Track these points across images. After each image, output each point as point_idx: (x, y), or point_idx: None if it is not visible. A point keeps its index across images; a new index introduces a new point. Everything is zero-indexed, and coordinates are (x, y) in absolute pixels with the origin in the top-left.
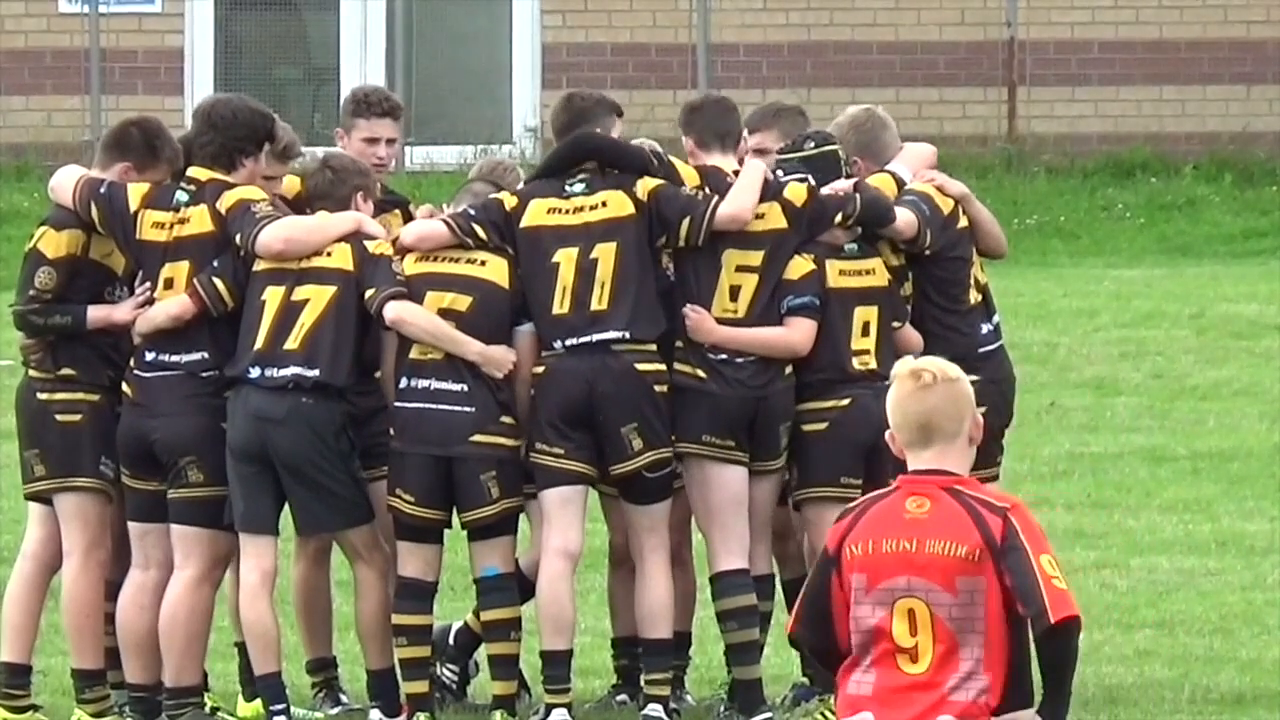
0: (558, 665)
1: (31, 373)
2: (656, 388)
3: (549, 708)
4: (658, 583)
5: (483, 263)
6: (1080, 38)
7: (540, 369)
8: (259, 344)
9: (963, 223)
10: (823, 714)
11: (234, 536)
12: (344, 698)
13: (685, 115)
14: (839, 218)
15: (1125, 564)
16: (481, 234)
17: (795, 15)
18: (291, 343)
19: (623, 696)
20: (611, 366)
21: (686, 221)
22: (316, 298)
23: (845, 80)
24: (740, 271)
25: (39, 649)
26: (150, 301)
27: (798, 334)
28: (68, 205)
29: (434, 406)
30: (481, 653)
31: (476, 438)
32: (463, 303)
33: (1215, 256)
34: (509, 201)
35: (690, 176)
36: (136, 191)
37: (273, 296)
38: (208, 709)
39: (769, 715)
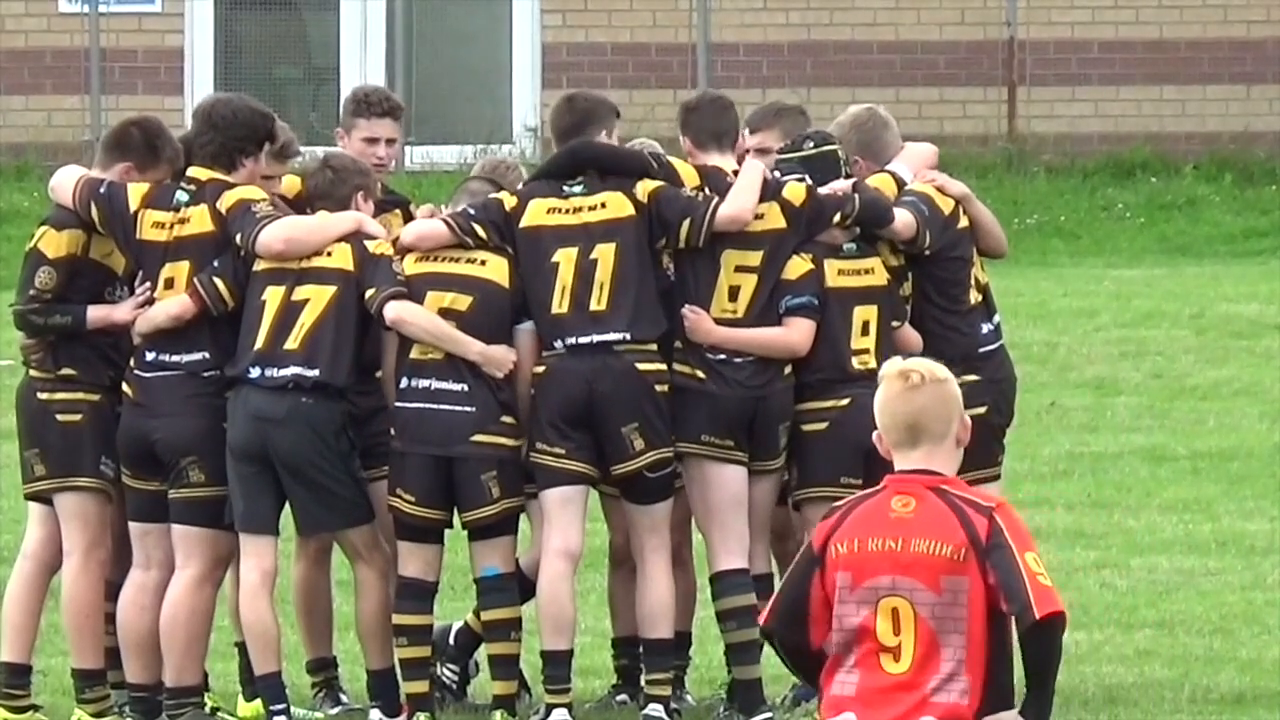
0: (558, 665)
1: (32, 372)
2: (657, 387)
3: (549, 708)
4: (659, 583)
5: (483, 262)
6: (1080, 37)
7: (541, 369)
8: (259, 344)
9: (963, 223)
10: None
11: (235, 536)
12: (344, 698)
13: (682, 115)
14: (837, 217)
15: (1125, 564)
16: (481, 233)
17: (795, 15)
18: (292, 343)
19: (623, 696)
20: (612, 366)
21: (687, 223)
22: (317, 297)
23: (845, 80)
24: (739, 272)
25: (39, 649)
26: (150, 301)
27: (796, 334)
28: (68, 205)
29: (435, 406)
30: (482, 653)
31: (477, 437)
32: (463, 302)
33: (1215, 256)
34: (509, 201)
35: (690, 176)
36: (136, 191)
37: (273, 296)
38: (208, 709)
39: (769, 715)
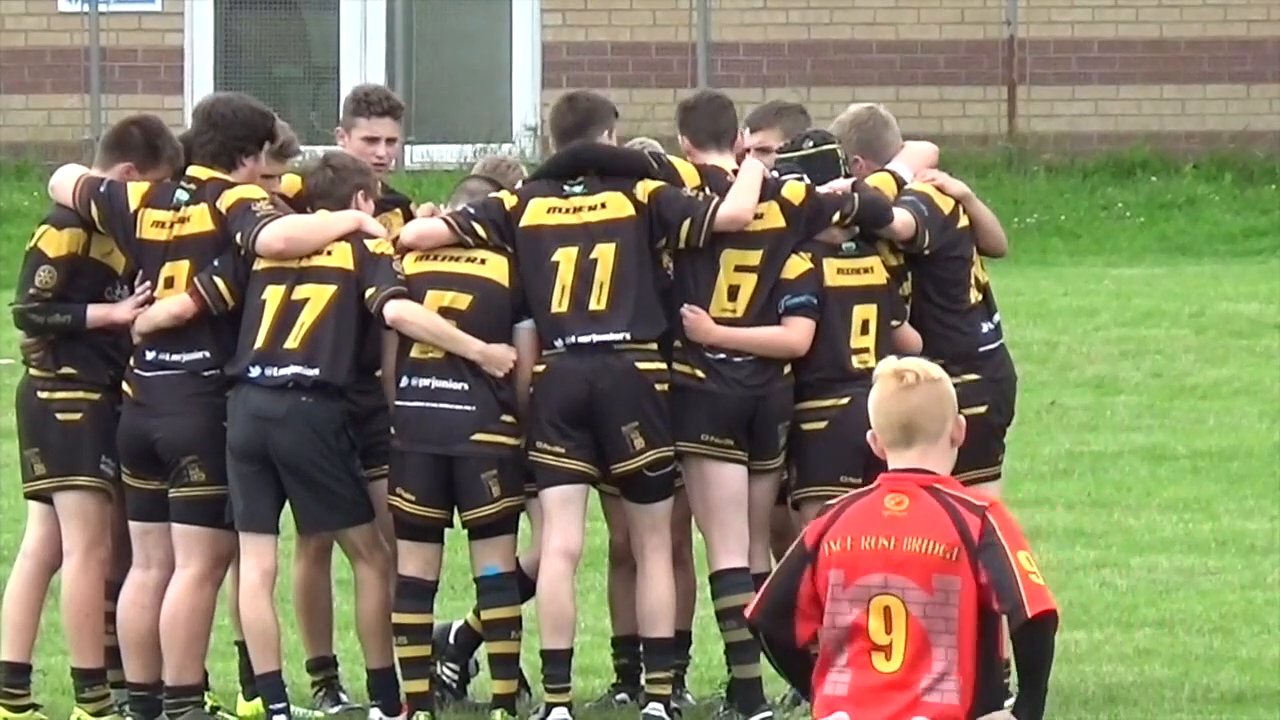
0: (558, 664)
1: (32, 371)
2: (657, 386)
3: (549, 707)
4: (659, 582)
5: (483, 261)
6: (1080, 36)
7: (541, 367)
8: (259, 343)
9: (963, 222)
10: None
11: (235, 536)
12: (344, 697)
13: (680, 115)
14: (836, 217)
15: (1125, 563)
16: (481, 233)
17: (795, 14)
18: (292, 342)
19: (623, 695)
20: (613, 365)
21: (687, 223)
22: (317, 297)
23: (845, 79)
24: (739, 271)
25: (39, 648)
26: (150, 301)
27: (795, 333)
28: (68, 204)
29: (435, 405)
30: (482, 652)
31: (477, 436)
32: (463, 301)
33: (1215, 256)
34: (509, 200)
35: (691, 176)
36: (136, 190)
37: (273, 295)
38: (208, 708)
39: (769, 714)
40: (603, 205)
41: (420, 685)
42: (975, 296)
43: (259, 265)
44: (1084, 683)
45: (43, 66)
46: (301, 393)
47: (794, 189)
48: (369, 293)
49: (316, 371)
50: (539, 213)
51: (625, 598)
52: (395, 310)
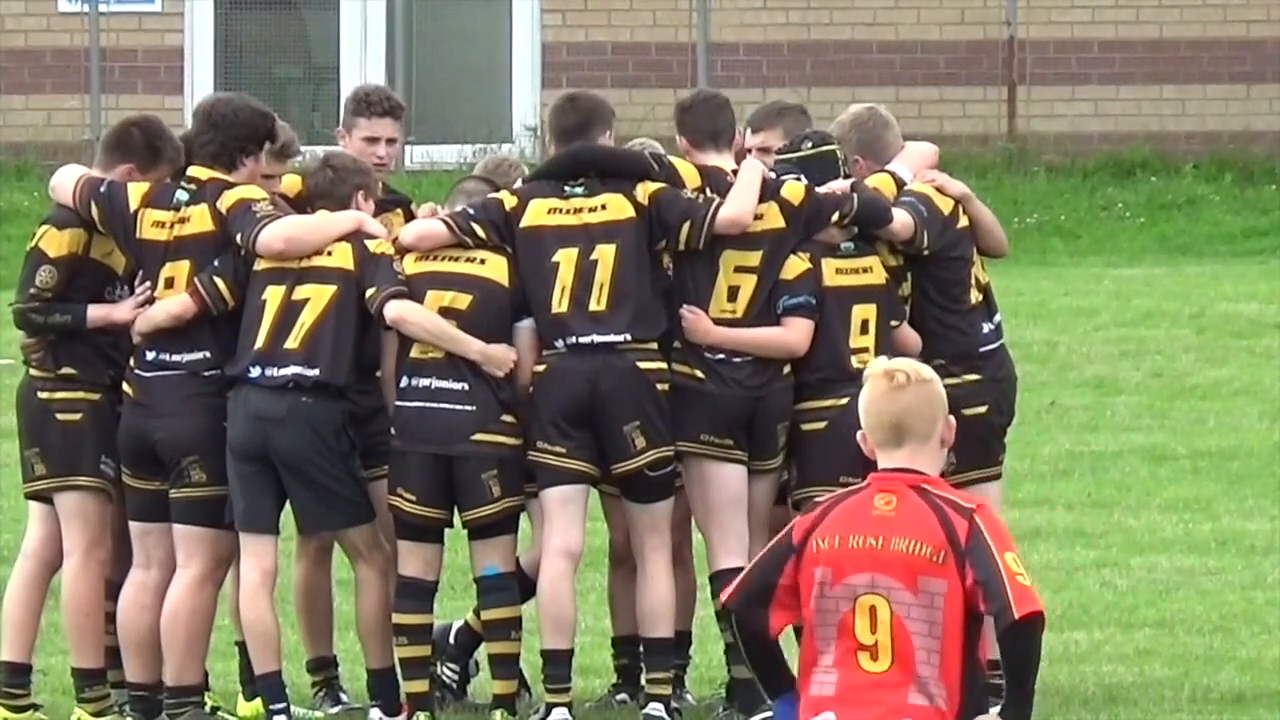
0: (558, 664)
1: (32, 372)
2: (659, 386)
3: (549, 707)
4: (659, 582)
5: (482, 261)
6: (1080, 37)
7: (541, 367)
8: (259, 343)
9: (963, 222)
10: None
11: (236, 536)
12: (344, 697)
13: (677, 115)
14: (835, 217)
15: (1125, 563)
16: (481, 233)
17: (795, 14)
18: (292, 342)
19: (623, 695)
20: (614, 364)
21: (687, 225)
22: (317, 297)
23: (845, 79)
24: (739, 272)
25: (39, 648)
26: (151, 301)
27: (794, 334)
28: (68, 204)
29: (435, 405)
30: (482, 652)
31: (478, 436)
32: (463, 301)
33: (1215, 256)
34: (509, 201)
35: (692, 176)
36: (136, 191)
37: (273, 296)
38: (208, 708)
39: (768, 714)
40: (603, 207)
41: (420, 685)
42: (976, 297)
43: (259, 265)
44: (1084, 683)
45: (43, 67)
46: (302, 393)
47: (793, 189)
48: (369, 293)
49: (317, 372)
50: (539, 213)
51: (625, 598)
52: (395, 310)
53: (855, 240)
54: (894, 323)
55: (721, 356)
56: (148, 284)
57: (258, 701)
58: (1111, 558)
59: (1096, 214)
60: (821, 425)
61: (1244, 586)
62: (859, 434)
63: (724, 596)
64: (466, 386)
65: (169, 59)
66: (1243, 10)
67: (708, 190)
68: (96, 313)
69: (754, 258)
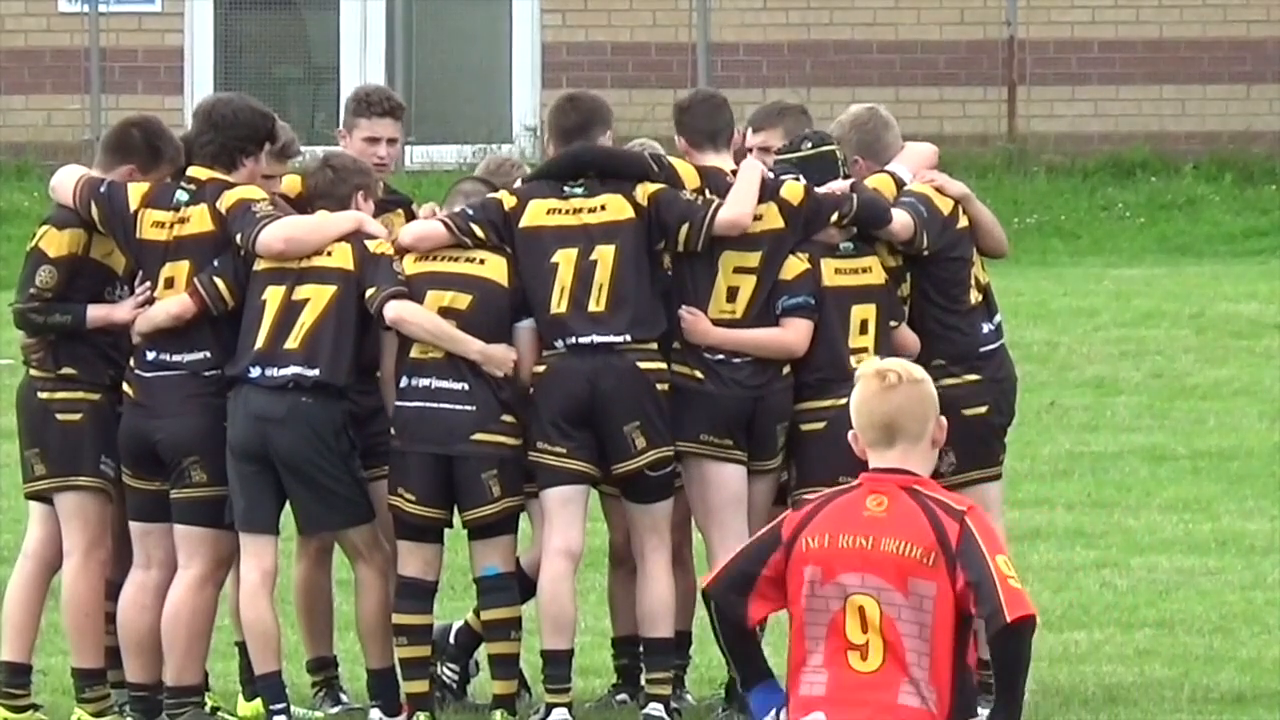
0: (558, 665)
1: (32, 372)
2: (658, 386)
3: (549, 707)
4: (659, 582)
5: (482, 261)
6: (1080, 37)
7: (541, 368)
8: (259, 344)
9: (962, 223)
10: None
11: (236, 536)
12: (344, 697)
13: (675, 115)
14: (835, 217)
15: (1125, 563)
16: (480, 233)
17: (795, 14)
18: (292, 342)
19: (623, 696)
20: (614, 365)
21: (685, 227)
22: (317, 297)
23: (845, 79)
24: (738, 273)
25: (39, 648)
26: (150, 301)
27: (793, 334)
28: (68, 205)
29: (435, 405)
30: (482, 652)
31: (478, 436)
32: (463, 301)
33: (1215, 256)
34: (508, 201)
35: (691, 177)
36: (136, 191)
37: (273, 296)
38: (208, 709)
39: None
40: (602, 207)
41: (420, 685)
42: (976, 297)
43: (259, 266)
44: (1084, 683)
45: (43, 67)
46: (302, 393)
47: (792, 189)
48: (369, 293)
49: (317, 372)
50: (538, 214)
51: (625, 598)
52: (395, 310)
53: (854, 240)
54: (893, 323)
55: (721, 357)
56: (147, 284)
57: (258, 701)
58: (1111, 558)
59: (1096, 214)
60: (821, 425)
61: (1244, 586)
62: (850, 434)
63: (704, 582)
64: (466, 386)
65: (169, 59)
66: (1243, 10)
67: (707, 191)
68: (96, 313)
69: (753, 258)
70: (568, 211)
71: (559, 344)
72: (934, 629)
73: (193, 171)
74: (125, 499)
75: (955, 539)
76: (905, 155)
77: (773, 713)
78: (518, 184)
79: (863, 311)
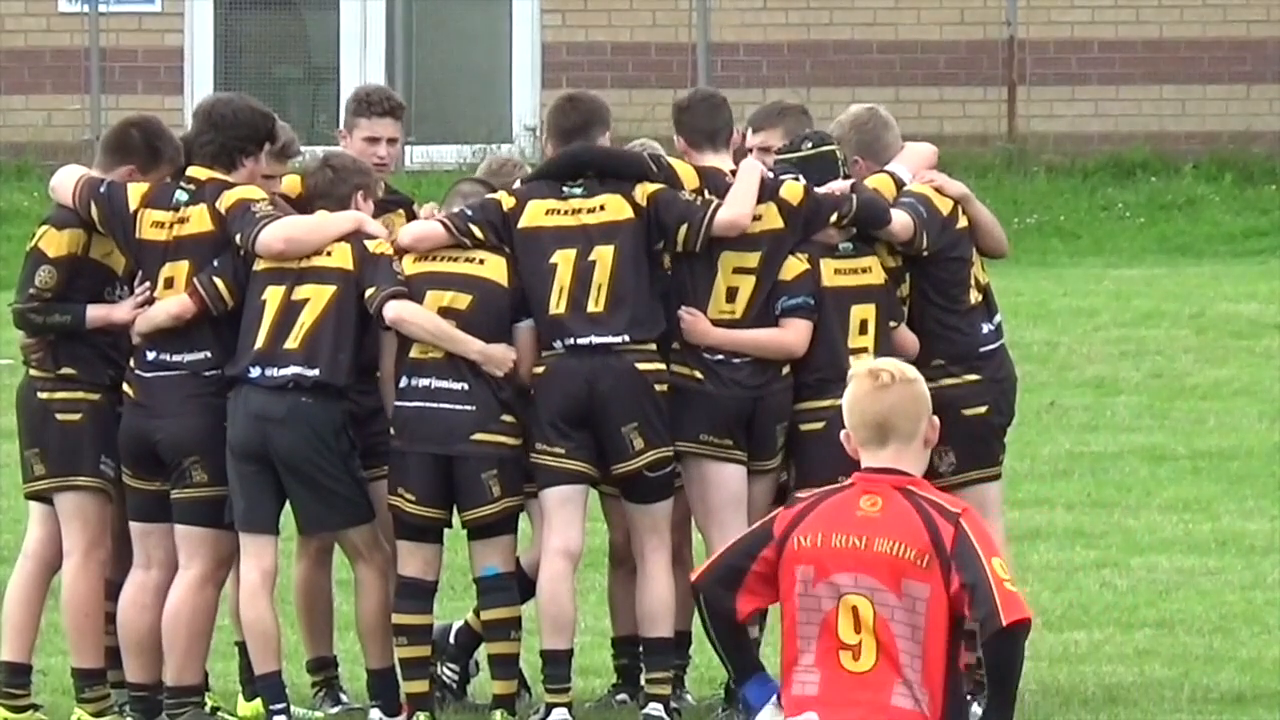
0: (558, 665)
1: (32, 372)
2: (657, 387)
3: (549, 707)
4: (659, 582)
5: (481, 261)
6: (1080, 37)
7: (540, 368)
8: (259, 344)
9: (962, 223)
10: None
11: (237, 536)
12: (344, 697)
13: (674, 115)
14: (834, 218)
15: (1125, 563)
16: (479, 234)
17: (795, 14)
18: (291, 342)
19: (623, 696)
20: (612, 366)
21: (684, 228)
22: (316, 297)
23: (845, 79)
24: (737, 273)
25: (39, 648)
26: (150, 301)
27: (793, 335)
28: (68, 205)
29: (435, 405)
30: (482, 652)
31: (477, 436)
32: (462, 301)
33: (1215, 256)
34: (507, 202)
35: (690, 178)
36: (136, 191)
37: (273, 296)
38: (208, 709)
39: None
40: (601, 208)
41: (420, 685)
42: (975, 297)
43: (259, 266)
44: (1084, 683)
45: (43, 67)
46: (301, 393)
47: (792, 189)
48: (369, 293)
49: (316, 372)
50: (537, 214)
51: (625, 598)
52: (395, 310)
53: (854, 240)
54: (893, 323)
55: (720, 357)
56: (147, 284)
57: (258, 701)
58: (1111, 558)
59: (1096, 214)
60: (820, 425)
61: (1244, 586)
62: (842, 433)
63: (693, 577)
64: (466, 386)
65: (169, 59)
66: (1243, 10)
67: (706, 191)
68: (96, 313)
69: (752, 259)
70: (566, 212)
71: (557, 345)
72: (927, 631)
73: (192, 171)
74: (125, 499)
75: (950, 541)
76: (905, 155)
77: (771, 700)
78: (516, 184)
79: (862, 312)
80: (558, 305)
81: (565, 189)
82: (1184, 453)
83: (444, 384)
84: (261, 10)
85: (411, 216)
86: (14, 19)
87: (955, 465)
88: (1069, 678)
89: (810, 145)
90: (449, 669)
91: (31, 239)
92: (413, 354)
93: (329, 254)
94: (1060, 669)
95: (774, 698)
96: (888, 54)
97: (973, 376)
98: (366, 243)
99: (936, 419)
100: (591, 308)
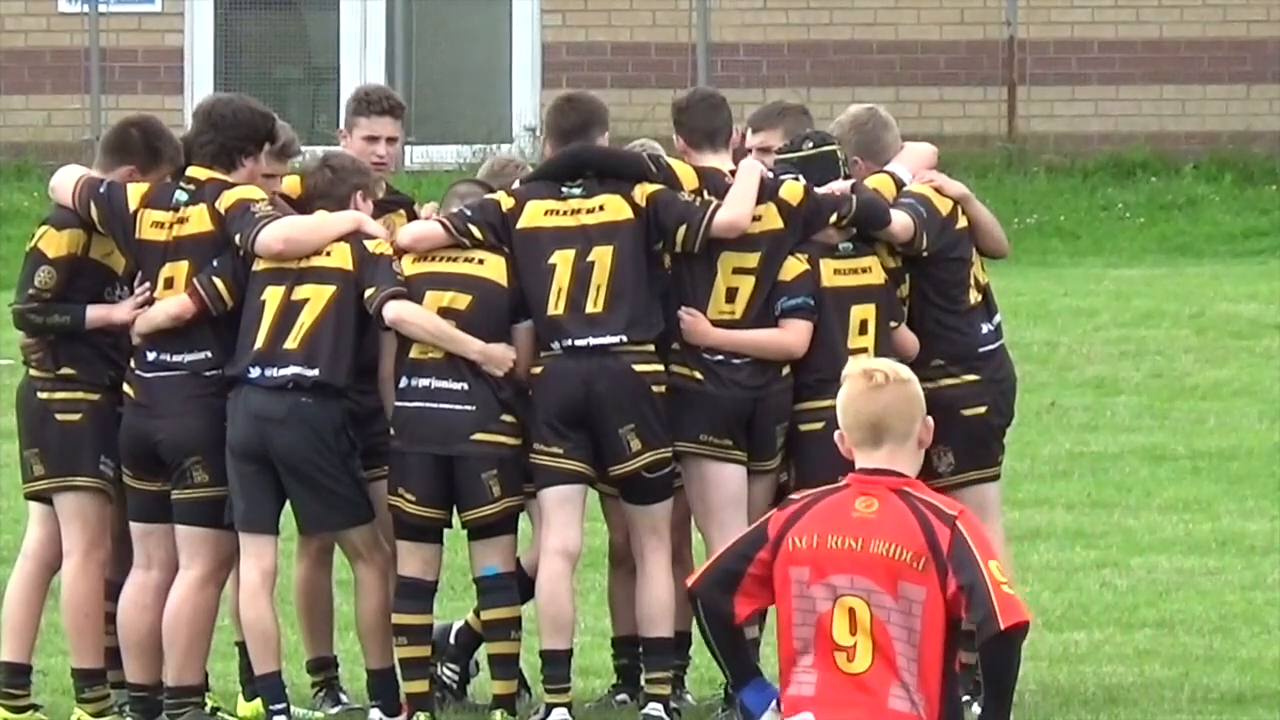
0: (557, 665)
1: (32, 372)
2: (655, 388)
3: (549, 707)
4: (658, 582)
5: (481, 261)
6: (1080, 37)
7: (538, 369)
8: (259, 344)
9: (962, 223)
10: None
11: (238, 536)
12: (344, 697)
13: (673, 115)
14: (834, 218)
15: (1125, 564)
16: (478, 234)
17: (795, 14)
18: (291, 342)
19: (623, 696)
20: (609, 367)
21: (683, 229)
22: (316, 297)
23: (845, 79)
24: (737, 274)
25: (39, 649)
26: (150, 301)
27: (792, 335)
28: (68, 205)
29: (435, 405)
30: (482, 652)
31: (477, 436)
32: (462, 301)
33: (1215, 256)
34: (506, 202)
35: (689, 178)
36: (136, 191)
37: (272, 296)
38: (208, 709)
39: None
40: (600, 208)
41: (420, 686)
42: (975, 297)
43: (258, 266)
44: (1084, 683)
45: (43, 67)
46: (301, 393)
47: (792, 189)
48: (368, 293)
49: (316, 372)
50: (536, 215)
51: (625, 598)
52: (395, 311)
53: (854, 240)
54: (893, 323)
55: (720, 358)
56: (147, 284)
57: (258, 702)
58: (1111, 558)
59: (1096, 214)
60: (820, 426)
61: (1244, 586)
62: (836, 433)
63: (690, 581)
64: (466, 386)
65: (169, 59)
66: (1243, 10)
67: (705, 192)
68: (95, 313)
69: (752, 259)
70: (565, 212)
71: (555, 345)
72: (923, 634)
73: (192, 171)
74: (125, 499)
75: (946, 544)
76: (905, 155)
77: (771, 706)
78: (515, 185)
79: (862, 312)
80: (556, 306)
81: (564, 189)
82: (1184, 453)
83: (444, 384)
84: (261, 10)
85: (413, 216)
86: (14, 19)
87: (954, 466)
88: (1069, 678)
89: (811, 145)
90: (449, 669)
91: (31, 239)
92: (412, 354)
93: (328, 254)
94: (1060, 669)
95: (773, 703)
96: (888, 54)
97: (972, 377)
98: (366, 243)
99: (930, 419)
100: (590, 308)
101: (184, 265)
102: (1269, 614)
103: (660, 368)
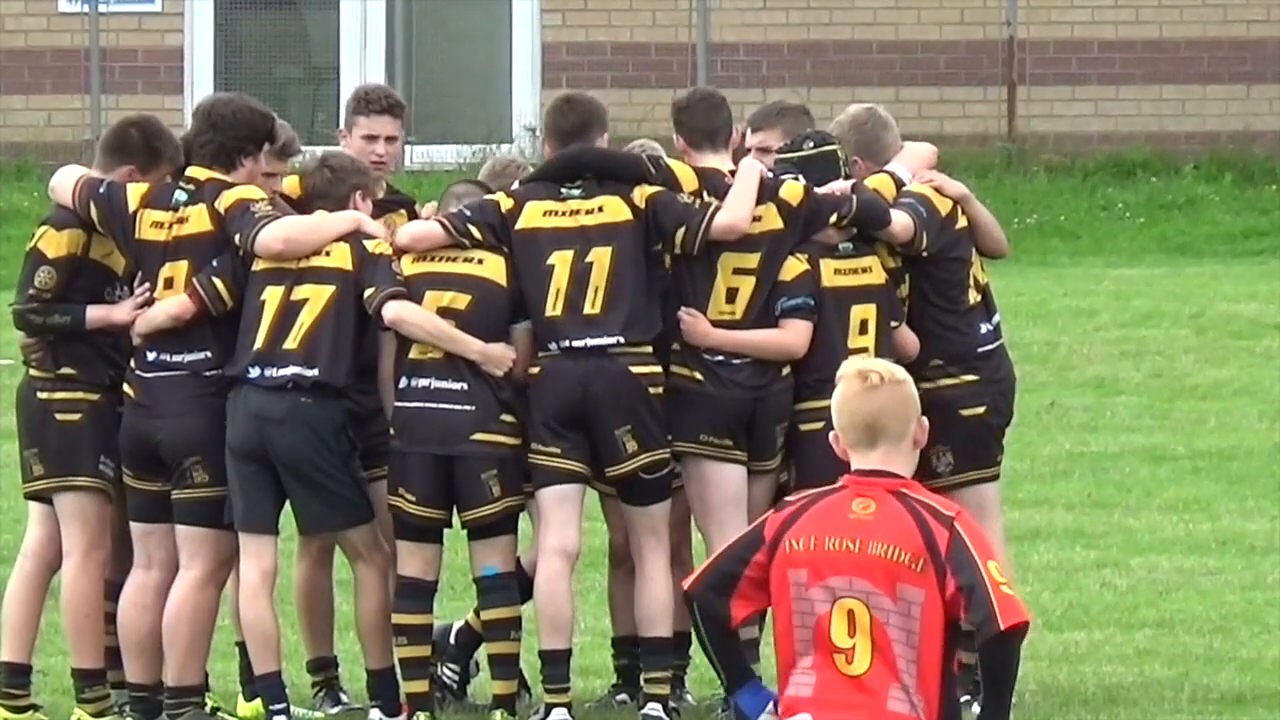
0: (557, 665)
1: (32, 372)
2: (651, 390)
3: (549, 707)
4: (658, 582)
5: (480, 261)
6: (1080, 37)
7: (536, 370)
8: (258, 344)
9: (961, 223)
10: None
11: (238, 536)
12: (344, 697)
13: (673, 115)
14: (834, 218)
15: (1125, 563)
16: (477, 234)
17: (795, 14)
18: (291, 342)
19: (623, 696)
20: (606, 369)
21: (682, 231)
22: (316, 297)
23: (845, 79)
24: (737, 274)
25: (39, 649)
26: (150, 301)
27: (793, 335)
28: (68, 205)
29: (434, 406)
30: (482, 652)
31: (477, 436)
32: (462, 301)
33: (1215, 256)
34: (505, 203)
35: (689, 179)
36: (135, 191)
37: (272, 296)
38: (208, 709)
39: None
40: (600, 209)
41: (420, 685)
42: (974, 297)
43: (258, 266)
44: (1084, 683)
45: (43, 67)
46: (301, 393)
47: (792, 189)
48: (368, 293)
49: (316, 372)
50: (535, 215)
51: (625, 598)
52: (394, 311)
53: (854, 240)
54: (893, 323)
55: (720, 358)
56: (147, 285)
57: (258, 702)
58: (1111, 558)
59: (1096, 214)
60: (820, 426)
61: (1244, 586)
62: (831, 434)
63: (686, 584)
64: (466, 386)
65: (169, 59)
66: (1243, 10)
67: (705, 193)
68: (95, 313)
69: (752, 259)
70: (564, 213)
71: (552, 346)
72: (921, 636)
73: (192, 171)
74: (125, 499)
75: (945, 545)
76: (904, 155)
77: (767, 709)
78: (514, 185)
79: (863, 312)
80: (554, 307)
81: (563, 190)
82: (1184, 453)
83: (443, 384)
84: (261, 10)
85: (413, 216)
86: (14, 19)
87: (953, 466)
88: (1069, 678)
89: (812, 145)
90: (449, 669)
91: (31, 239)
92: (412, 354)
93: (328, 254)
94: (1060, 669)
95: (769, 705)
96: (888, 54)
97: (971, 377)
98: (365, 243)
99: (926, 420)
100: (588, 309)
101: (184, 265)
102: (1269, 614)
103: (658, 369)
